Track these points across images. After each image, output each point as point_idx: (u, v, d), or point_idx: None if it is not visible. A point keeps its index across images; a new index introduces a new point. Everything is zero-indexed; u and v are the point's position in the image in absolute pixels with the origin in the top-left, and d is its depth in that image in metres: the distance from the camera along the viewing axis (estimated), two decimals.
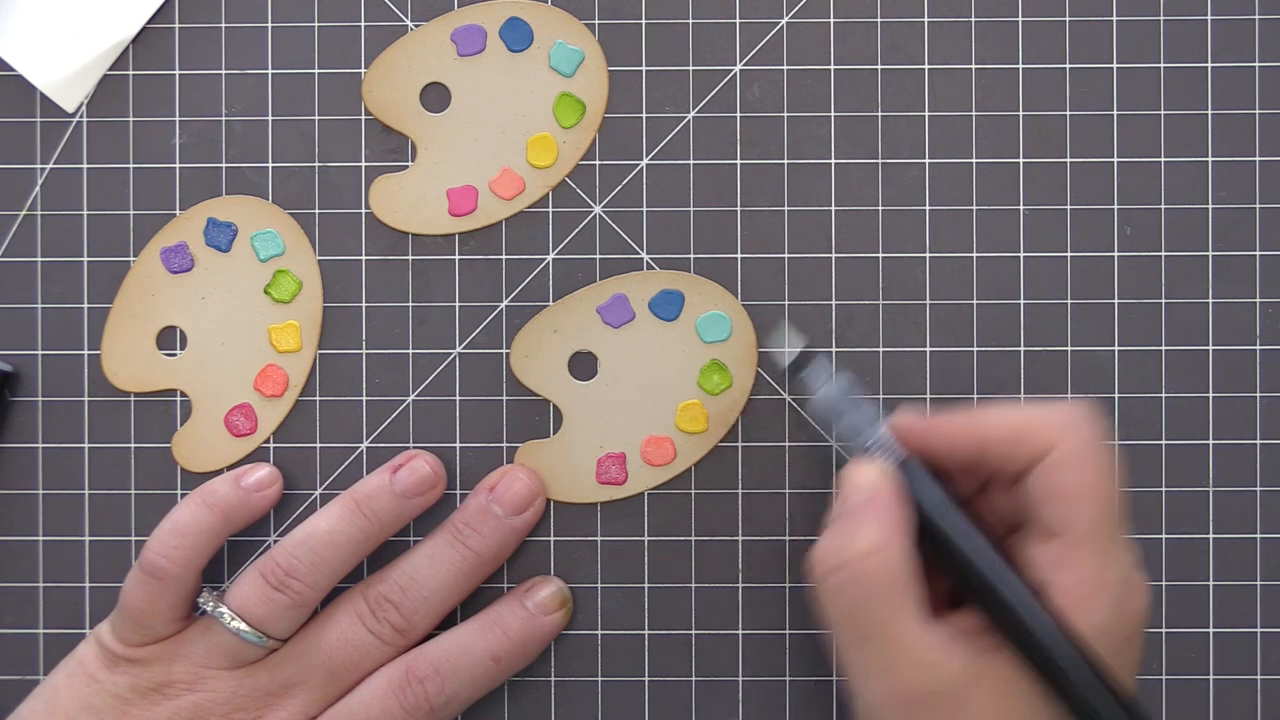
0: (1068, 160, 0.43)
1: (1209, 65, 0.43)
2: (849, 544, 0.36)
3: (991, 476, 0.38)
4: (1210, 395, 0.43)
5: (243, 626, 0.40)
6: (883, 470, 0.37)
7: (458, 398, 0.43)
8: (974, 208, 0.43)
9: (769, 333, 0.43)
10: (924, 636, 0.35)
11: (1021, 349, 0.43)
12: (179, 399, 0.43)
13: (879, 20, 0.43)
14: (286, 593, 0.40)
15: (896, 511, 0.36)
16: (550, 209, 0.43)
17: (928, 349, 0.43)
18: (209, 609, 0.40)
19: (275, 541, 0.43)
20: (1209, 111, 0.43)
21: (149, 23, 0.44)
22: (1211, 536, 0.43)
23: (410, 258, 0.43)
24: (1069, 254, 0.43)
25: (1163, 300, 0.43)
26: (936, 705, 0.35)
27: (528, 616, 0.42)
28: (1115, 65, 0.43)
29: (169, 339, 0.43)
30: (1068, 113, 0.43)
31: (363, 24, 0.43)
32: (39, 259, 0.43)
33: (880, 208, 0.43)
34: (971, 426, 0.37)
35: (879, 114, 0.43)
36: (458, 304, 0.43)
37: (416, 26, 0.43)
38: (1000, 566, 0.36)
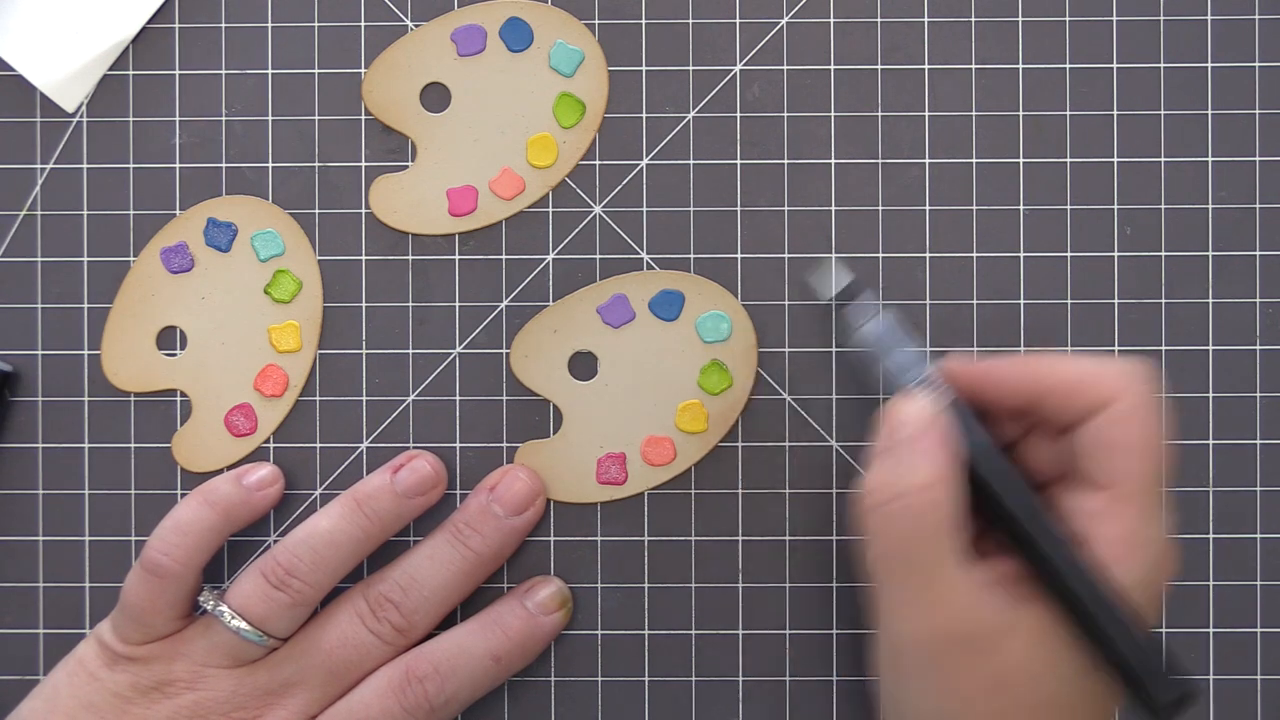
0: (1068, 160, 0.43)
1: (1209, 65, 0.43)
2: (904, 476, 0.36)
3: (1037, 424, 0.38)
4: (1210, 395, 0.43)
5: (243, 625, 0.40)
6: (928, 406, 0.37)
7: (458, 398, 0.43)
8: (974, 208, 0.43)
9: (814, 268, 0.41)
10: (965, 578, 0.35)
11: (1022, 349, 0.43)
12: (179, 399, 0.43)
13: (879, 20, 0.43)
14: (287, 591, 0.40)
15: (948, 449, 0.36)
16: (550, 209, 0.43)
17: (928, 349, 0.43)
18: (209, 608, 0.40)
19: (276, 541, 0.43)
20: (1209, 111, 0.43)
21: (149, 23, 0.44)
22: (1211, 536, 0.43)
23: (410, 258, 0.43)
24: (1069, 254, 0.43)
25: (1163, 300, 0.43)
26: (969, 648, 0.35)
27: (528, 616, 0.42)
28: (1115, 65, 0.43)
29: (169, 339, 0.43)
30: (1068, 113, 0.43)
31: (363, 24, 0.43)
32: (39, 259, 0.43)
33: (880, 208, 0.43)
34: (1028, 374, 0.37)
35: (879, 114, 0.43)
36: (458, 304, 0.43)
37: (416, 26, 0.43)
38: (1042, 515, 0.35)
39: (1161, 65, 0.43)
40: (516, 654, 0.42)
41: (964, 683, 0.35)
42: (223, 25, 0.44)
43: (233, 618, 0.40)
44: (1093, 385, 0.36)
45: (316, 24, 0.44)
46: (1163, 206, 0.43)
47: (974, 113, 0.43)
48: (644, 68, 0.43)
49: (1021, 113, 0.43)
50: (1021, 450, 0.38)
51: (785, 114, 0.43)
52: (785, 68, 0.43)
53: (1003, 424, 0.38)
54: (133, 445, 0.43)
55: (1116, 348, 0.43)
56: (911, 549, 0.36)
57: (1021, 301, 0.43)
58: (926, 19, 0.43)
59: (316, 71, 0.44)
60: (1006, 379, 0.37)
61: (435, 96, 0.43)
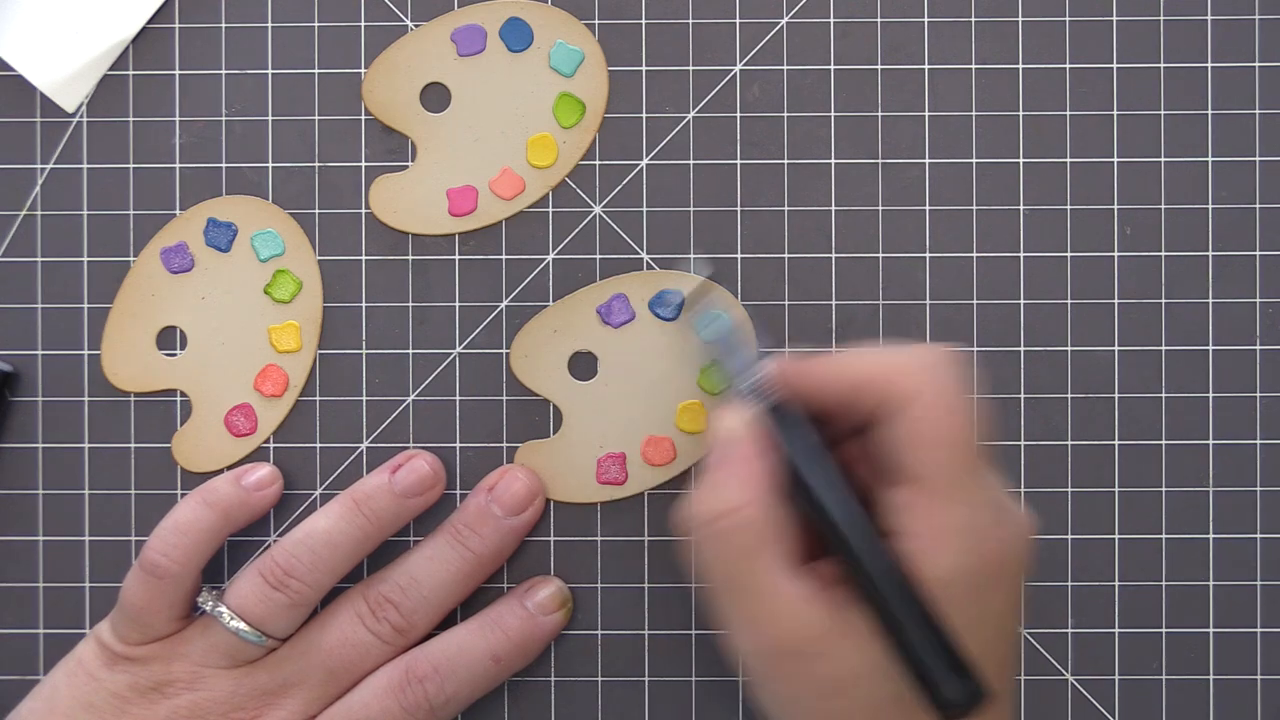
0: (1068, 160, 0.43)
1: (1209, 65, 0.43)
2: (720, 499, 0.36)
3: (868, 419, 0.37)
4: (1210, 395, 0.43)
5: (242, 626, 0.40)
6: (746, 419, 0.37)
7: (458, 398, 0.43)
8: (974, 208, 0.43)
9: (674, 263, 0.43)
10: (788, 590, 0.36)
11: (1021, 349, 0.43)
12: (179, 399, 0.43)
13: (879, 20, 0.43)
14: (285, 592, 0.40)
15: (758, 464, 0.37)
16: (550, 209, 0.43)
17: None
18: (208, 609, 0.40)
19: (275, 541, 0.43)
20: (1209, 111, 0.43)
21: (149, 23, 0.44)
22: (1211, 536, 0.43)
23: (410, 258, 0.43)
24: (1069, 254, 0.43)
25: (1163, 300, 0.43)
26: (799, 658, 0.35)
27: (527, 616, 0.42)
28: (1115, 65, 0.43)
29: (169, 339, 0.43)
30: (1068, 113, 0.43)
31: (363, 24, 0.43)
32: (39, 259, 0.43)
33: (880, 208, 0.43)
34: (841, 371, 0.37)
35: (879, 114, 0.43)
36: (458, 304, 0.43)
37: (416, 26, 0.43)
38: (853, 513, 0.36)
39: (1161, 65, 0.43)
40: (516, 654, 0.42)
41: (801, 690, 0.36)
42: (223, 25, 0.44)
43: (231, 618, 0.40)
44: (895, 380, 0.36)
45: (316, 24, 0.44)
46: (1163, 206, 0.43)
47: (974, 113, 0.43)
48: (644, 68, 0.43)
49: (1021, 113, 0.43)
50: (854, 448, 0.38)
51: (785, 114, 0.43)
52: (785, 68, 0.43)
53: (838, 420, 0.38)
54: (133, 445, 0.43)
55: (1116, 348, 0.43)
56: (733, 570, 0.36)
57: (1021, 301, 0.43)
58: (926, 19, 0.43)
59: (316, 71, 0.44)
60: (823, 378, 0.37)
61: (435, 96, 0.43)
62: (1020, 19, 0.43)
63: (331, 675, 0.41)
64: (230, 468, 0.43)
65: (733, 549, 0.36)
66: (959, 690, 0.33)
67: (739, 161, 0.43)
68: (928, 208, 0.43)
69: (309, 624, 0.41)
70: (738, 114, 0.43)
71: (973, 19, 0.43)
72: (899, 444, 0.36)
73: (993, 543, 0.35)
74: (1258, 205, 0.43)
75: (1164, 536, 0.43)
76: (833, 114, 0.43)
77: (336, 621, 0.41)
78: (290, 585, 0.40)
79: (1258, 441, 0.43)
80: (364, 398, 0.43)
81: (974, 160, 0.43)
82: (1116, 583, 0.43)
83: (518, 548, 0.43)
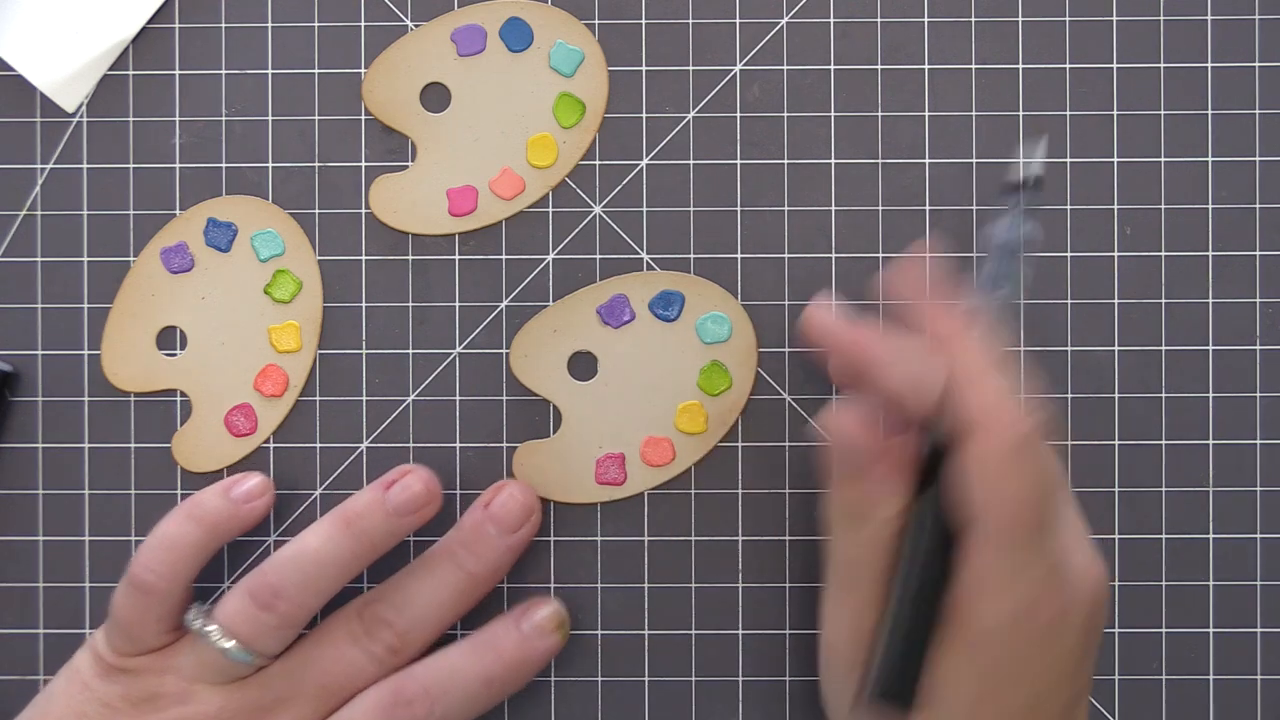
0: (1068, 160, 0.43)
1: (1209, 65, 0.43)
2: (872, 505, 0.37)
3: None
4: (1210, 395, 0.43)
5: (231, 645, 0.39)
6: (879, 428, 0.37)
7: (458, 398, 0.43)
8: (974, 208, 0.43)
9: (1015, 144, 0.43)
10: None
11: (1022, 349, 0.43)
12: (179, 399, 0.43)
13: (879, 20, 0.43)
14: (274, 613, 0.39)
15: (910, 474, 0.37)
16: (550, 209, 0.43)
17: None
18: (196, 627, 0.39)
19: (272, 543, 0.43)
20: (1209, 111, 0.43)
21: (149, 23, 0.44)
22: (1211, 536, 0.43)
23: (410, 258, 0.43)
24: (1069, 254, 0.43)
25: (1163, 300, 0.43)
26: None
27: (522, 639, 0.41)
28: (1115, 65, 0.43)
29: (169, 339, 0.43)
30: (1068, 113, 0.43)
31: (363, 24, 0.43)
32: (39, 259, 0.43)
33: (880, 208, 0.43)
34: (944, 348, 0.37)
35: (879, 114, 0.43)
36: (458, 304, 0.43)
37: (416, 26, 0.43)
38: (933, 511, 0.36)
39: (1161, 65, 0.43)
40: (510, 677, 0.41)
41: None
42: (223, 25, 0.44)
43: (220, 637, 0.39)
44: (964, 400, 0.35)
45: (316, 24, 0.43)
46: (1163, 206, 0.43)
47: (974, 113, 0.43)
48: (644, 68, 0.43)
49: (1021, 113, 0.43)
50: None
51: (785, 114, 0.43)
52: (785, 68, 0.43)
53: None
54: (133, 445, 0.43)
55: (1116, 348, 0.43)
56: (859, 563, 0.37)
57: (1022, 301, 0.43)
58: (926, 19, 0.43)
59: (316, 71, 0.43)
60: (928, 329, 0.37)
61: (435, 96, 0.43)
62: (1020, 19, 0.43)
63: (324, 692, 0.40)
64: (230, 468, 0.43)
65: (869, 551, 0.37)
66: (893, 690, 0.35)
67: (739, 161, 0.43)
68: (928, 208, 0.43)
69: (302, 641, 0.41)
70: (738, 114, 0.43)
71: (973, 19, 0.43)
72: (960, 479, 0.35)
73: (1045, 608, 0.35)
74: (1258, 205, 0.43)
75: (1164, 536, 0.43)
76: (833, 114, 0.43)
77: (330, 639, 0.40)
78: (278, 607, 0.39)
79: (1258, 441, 0.43)
80: (364, 398, 0.43)
81: (974, 160, 0.43)
82: (1117, 583, 0.43)
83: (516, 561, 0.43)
